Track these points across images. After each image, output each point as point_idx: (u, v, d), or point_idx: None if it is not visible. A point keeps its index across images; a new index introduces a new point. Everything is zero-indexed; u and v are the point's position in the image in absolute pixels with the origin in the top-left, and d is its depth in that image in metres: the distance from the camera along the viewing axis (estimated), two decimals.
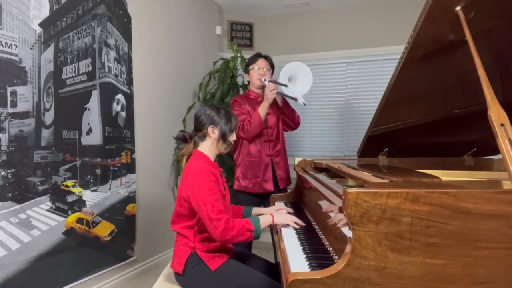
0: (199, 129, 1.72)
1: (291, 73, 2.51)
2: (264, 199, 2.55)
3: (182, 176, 1.67)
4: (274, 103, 2.57)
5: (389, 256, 0.97)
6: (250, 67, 2.61)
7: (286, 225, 1.64)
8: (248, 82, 2.71)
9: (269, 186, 2.53)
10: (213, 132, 1.70)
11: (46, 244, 2.08)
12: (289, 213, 1.82)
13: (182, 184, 1.64)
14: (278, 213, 1.72)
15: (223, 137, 1.72)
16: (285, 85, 2.47)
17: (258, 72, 2.57)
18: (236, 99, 2.62)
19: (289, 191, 2.36)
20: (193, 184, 1.57)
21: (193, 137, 1.76)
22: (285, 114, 2.62)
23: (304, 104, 2.38)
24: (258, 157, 2.54)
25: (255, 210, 1.92)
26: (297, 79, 2.52)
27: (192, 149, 1.76)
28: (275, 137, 2.60)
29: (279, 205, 2.12)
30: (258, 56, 2.63)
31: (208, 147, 1.72)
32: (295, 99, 2.41)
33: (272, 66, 2.65)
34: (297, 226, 1.62)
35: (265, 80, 2.53)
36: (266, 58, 2.63)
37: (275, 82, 2.50)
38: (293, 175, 2.40)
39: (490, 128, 1.14)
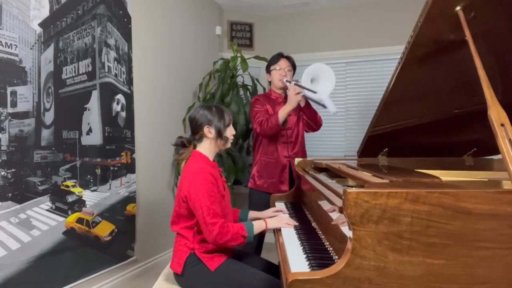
0: (196, 131, 1.73)
1: (313, 75, 2.43)
2: None
3: (181, 176, 1.68)
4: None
5: (389, 256, 0.97)
6: (272, 67, 2.57)
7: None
8: (270, 82, 2.66)
9: (285, 187, 2.49)
10: (210, 132, 1.70)
11: (46, 244, 2.08)
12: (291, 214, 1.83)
13: (180, 185, 1.65)
14: (271, 219, 1.71)
15: (219, 134, 1.72)
16: (315, 92, 2.34)
17: (279, 72, 2.54)
18: (258, 97, 2.59)
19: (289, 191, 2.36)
20: (191, 185, 1.57)
21: (191, 141, 1.76)
22: (307, 115, 2.55)
23: (336, 112, 2.26)
24: (275, 158, 2.51)
25: (251, 214, 1.93)
26: (319, 81, 2.44)
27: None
28: (294, 138, 2.55)
29: (279, 205, 2.12)
30: (280, 56, 2.58)
31: (207, 147, 1.73)
32: (325, 107, 2.28)
33: (294, 67, 2.60)
34: (291, 227, 1.62)
35: (287, 81, 2.48)
36: (288, 58, 2.59)
37: (302, 86, 2.37)
38: None
39: (490, 128, 1.14)
